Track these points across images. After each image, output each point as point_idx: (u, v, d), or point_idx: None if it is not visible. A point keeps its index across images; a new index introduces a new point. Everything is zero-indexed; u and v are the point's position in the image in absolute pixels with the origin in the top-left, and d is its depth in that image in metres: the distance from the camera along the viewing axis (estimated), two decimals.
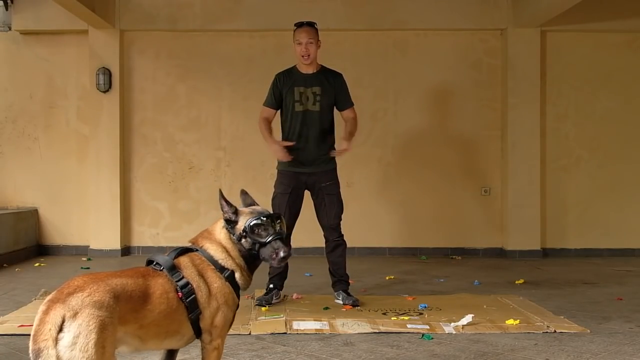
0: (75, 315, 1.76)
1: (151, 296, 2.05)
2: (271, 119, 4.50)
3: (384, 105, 7.01)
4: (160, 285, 2.11)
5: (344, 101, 4.50)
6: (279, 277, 4.42)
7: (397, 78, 7.02)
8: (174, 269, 2.19)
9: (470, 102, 7.01)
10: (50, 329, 1.72)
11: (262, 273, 4.53)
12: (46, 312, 1.76)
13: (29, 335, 1.70)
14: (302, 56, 4.36)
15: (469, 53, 7.03)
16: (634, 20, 6.82)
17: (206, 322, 2.23)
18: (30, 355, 1.72)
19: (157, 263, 2.22)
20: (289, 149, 4.36)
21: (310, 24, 4.40)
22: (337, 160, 4.54)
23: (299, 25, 4.41)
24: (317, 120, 4.37)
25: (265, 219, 2.34)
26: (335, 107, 4.53)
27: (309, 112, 4.36)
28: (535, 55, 6.85)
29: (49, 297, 1.84)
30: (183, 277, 2.18)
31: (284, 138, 4.46)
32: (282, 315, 3.93)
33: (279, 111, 4.51)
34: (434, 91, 7.02)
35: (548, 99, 6.99)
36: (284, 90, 4.42)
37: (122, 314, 1.90)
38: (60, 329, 1.74)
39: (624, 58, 7.05)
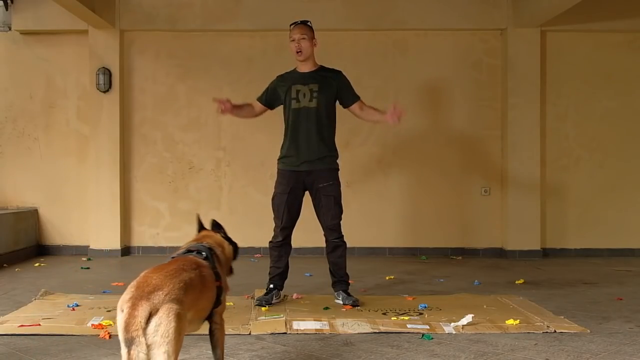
0: (157, 310, 2.12)
1: (205, 285, 2.46)
2: (254, 108, 4.56)
3: (384, 105, 6.90)
4: (210, 275, 2.54)
5: (350, 96, 4.50)
6: (279, 277, 4.42)
7: (397, 78, 7.01)
8: (212, 260, 2.64)
9: (470, 102, 7.01)
10: (140, 321, 2.08)
11: (262, 273, 4.55)
12: (134, 308, 2.10)
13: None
14: (296, 52, 4.40)
15: (469, 53, 7.03)
16: (634, 20, 6.82)
17: (222, 307, 2.67)
18: (123, 343, 2.06)
19: (199, 252, 2.63)
20: (288, 148, 4.40)
21: (304, 22, 4.44)
22: (338, 161, 4.55)
23: (294, 24, 4.46)
24: (314, 117, 4.37)
25: None
26: (342, 105, 4.53)
27: (305, 109, 4.37)
28: (535, 55, 6.85)
29: (130, 295, 2.15)
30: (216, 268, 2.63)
31: (284, 136, 4.48)
32: (282, 315, 3.93)
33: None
34: (434, 91, 7.02)
35: (548, 99, 6.99)
36: (280, 89, 4.45)
37: (188, 303, 2.27)
38: (147, 321, 2.10)
39: (624, 58, 7.05)
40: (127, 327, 2.08)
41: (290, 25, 4.48)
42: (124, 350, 2.06)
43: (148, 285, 2.20)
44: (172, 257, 2.58)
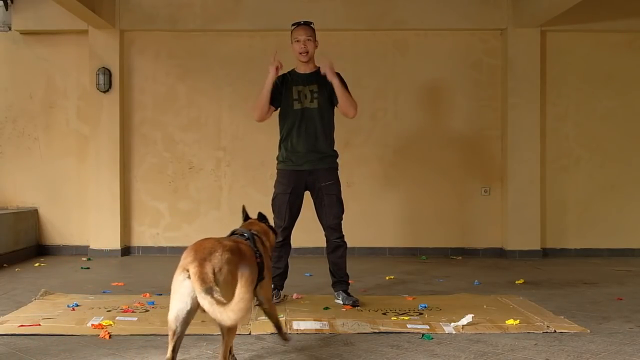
0: (220, 269, 2.55)
1: (243, 255, 2.79)
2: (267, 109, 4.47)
3: (383, 105, 7.01)
4: (248, 251, 2.90)
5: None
6: (279, 277, 4.42)
7: (397, 78, 7.01)
8: (253, 240, 3.02)
9: (470, 102, 7.01)
10: (210, 276, 2.50)
11: None
12: (202, 266, 2.51)
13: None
14: (301, 53, 4.39)
15: (469, 53, 7.03)
16: (634, 20, 6.82)
17: (266, 281, 3.06)
18: (204, 292, 2.43)
19: (241, 234, 3.03)
20: (290, 148, 4.40)
21: (307, 23, 4.43)
22: (338, 160, 4.55)
23: (297, 24, 4.45)
24: (316, 117, 4.38)
25: None
26: (337, 106, 4.49)
27: (307, 110, 4.38)
28: (535, 55, 6.85)
29: (192, 257, 2.54)
30: (257, 248, 3.02)
31: (283, 137, 4.47)
32: (282, 315, 3.92)
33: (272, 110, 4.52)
34: (434, 91, 7.02)
35: (548, 99, 6.99)
36: (283, 88, 4.43)
37: (235, 262, 2.65)
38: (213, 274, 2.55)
39: (624, 58, 7.05)
40: (204, 279, 2.48)
41: (292, 26, 4.47)
42: (206, 298, 2.42)
43: (204, 249, 2.60)
44: None
